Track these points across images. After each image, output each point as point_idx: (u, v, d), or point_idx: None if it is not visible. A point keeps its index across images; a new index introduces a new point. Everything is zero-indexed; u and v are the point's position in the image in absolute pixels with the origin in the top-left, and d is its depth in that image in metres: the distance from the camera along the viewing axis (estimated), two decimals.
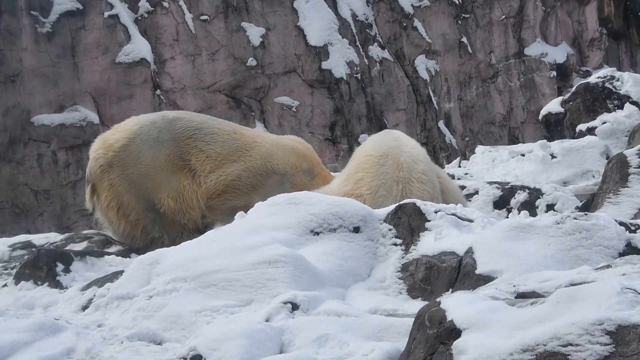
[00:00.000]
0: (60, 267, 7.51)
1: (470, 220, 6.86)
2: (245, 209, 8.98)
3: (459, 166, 14.81)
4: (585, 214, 5.85)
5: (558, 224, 5.80)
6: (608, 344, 3.61)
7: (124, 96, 22.64)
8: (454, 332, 4.17)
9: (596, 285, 3.99)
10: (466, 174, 12.90)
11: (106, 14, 22.83)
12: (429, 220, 6.68)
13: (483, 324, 4.10)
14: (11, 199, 21.51)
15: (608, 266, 4.75)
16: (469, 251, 5.93)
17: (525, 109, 28.35)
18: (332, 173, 10.11)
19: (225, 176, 9.25)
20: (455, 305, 4.36)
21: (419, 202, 6.85)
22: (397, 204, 6.93)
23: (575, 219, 5.78)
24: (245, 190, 9.35)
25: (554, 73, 28.67)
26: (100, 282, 6.69)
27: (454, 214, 6.79)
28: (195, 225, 9.23)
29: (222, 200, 9.28)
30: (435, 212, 6.72)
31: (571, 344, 3.65)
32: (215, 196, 9.24)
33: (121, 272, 6.66)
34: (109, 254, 8.29)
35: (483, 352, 3.87)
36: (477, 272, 5.67)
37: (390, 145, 8.69)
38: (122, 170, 9.06)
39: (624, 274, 4.26)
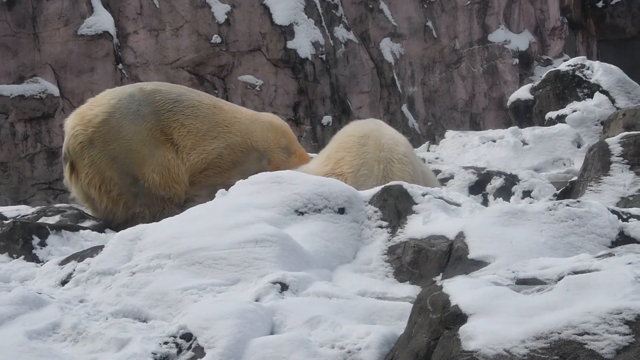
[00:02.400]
0: (36, 240, 7.31)
1: (458, 204, 6.81)
2: (225, 185, 8.90)
3: (428, 150, 14.79)
4: (578, 202, 5.82)
5: (550, 210, 5.76)
6: (627, 334, 3.56)
7: (85, 69, 22.29)
8: (460, 317, 4.10)
9: (607, 274, 3.95)
10: (437, 158, 12.89)
11: None
12: (417, 203, 6.60)
13: (490, 309, 4.03)
14: None
15: (610, 254, 4.71)
16: (460, 235, 5.86)
17: (487, 95, 28.51)
18: (309, 154, 10.05)
19: (207, 154, 9.18)
20: (459, 289, 4.29)
21: (405, 185, 6.78)
22: (383, 186, 6.85)
23: (567, 205, 5.75)
24: (226, 167, 9.29)
25: (517, 60, 28.86)
26: (79, 256, 6.51)
27: (441, 198, 6.73)
28: (179, 200, 9.12)
29: (204, 176, 9.22)
30: (423, 195, 6.65)
31: (587, 333, 3.60)
32: (197, 173, 9.15)
33: (101, 247, 6.47)
34: (84, 228, 8.10)
35: (492, 339, 3.81)
36: (469, 256, 5.60)
37: (372, 127, 8.68)
38: (103, 146, 8.83)
39: (630, 263, 4.22)
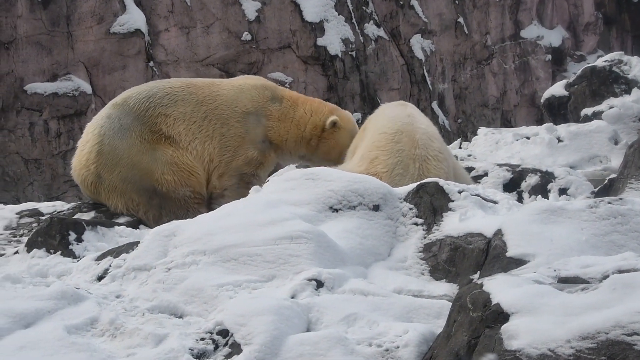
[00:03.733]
0: (72, 236, 7.33)
1: (495, 202, 6.72)
2: (247, 165, 9.26)
3: (460, 147, 14.67)
4: (620, 199, 5.71)
5: (591, 207, 5.66)
6: None
7: (117, 67, 22.40)
8: (502, 316, 4.03)
9: None
10: (469, 155, 12.77)
11: None
12: (453, 201, 6.52)
13: (533, 308, 3.96)
14: (2, 167, 21.26)
15: None
16: (498, 233, 5.77)
17: (519, 92, 28.29)
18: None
19: (209, 138, 9.18)
20: (500, 288, 4.21)
21: (441, 181, 6.70)
22: (418, 183, 6.78)
23: (609, 203, 5.64)
24: (234, 144, 9.27)
25: (549, 56, 28.60)
26: (115, 252, 6.52)
27: (478, 195, 6.64)
28: (201, 195, 9.10)
29: (224, 162, 9.18)
30: (459, 192, 6.57)
31: (637, 333, 3.51)
32: (215, 159, 9.15)
33: (136, 243, 6.47)
34: (119, 224, 8.12)
35: (536, 338, 3.73)
36: (507, 254, 5.52)
37: (404, 121, 8.52)
38: (110, 174, 8.88)
39: None
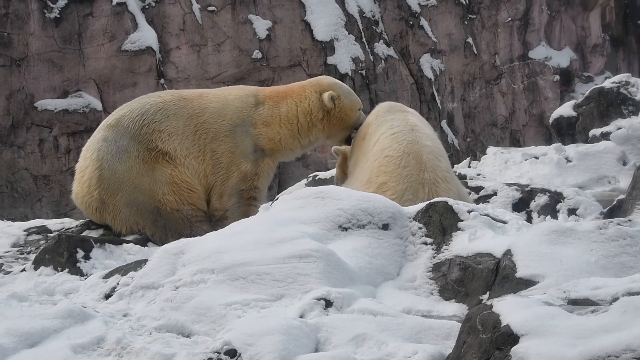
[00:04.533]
0: (80, 253, 7.32)
1: (504, 222, 6.68)
2: (242, 182, 9.06)
3: (469, 166, 14.62)
4: (629, 220, 5.67)
5: (600, 229, 5.61)
6: None
7: (128, 84, 22.50)
8: (511, 338, 3.98)
9: None
10: (478, 174, 12.70)
11: (114, 1, 22.70)
12: (462, 220, 6.48)
13: (543, 330, 3.91)
14: (10, 183, 21.31)
15: None
16: (507, 253, 5.73)
17: (527, 112, 28.29)
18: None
19: (202, 156, 9.04)
20: (510, 309, 4.17)
21: (451, 201, 6.66)
22: (427, 202, 6.74)
23: (618, 224, 5.60)
24: (227, 160, 9.11)
25: (557, 77, 28.61)
26: (123, 270, 6.49)
27: (487, 215, 6.61)
28: (202, 213, 9.03)
29: (219, 180, 9.07)
30: (469, 211, 6.52)
31: None
32: (210, 176, 9.04)
33: (144, 261, 6.44)
34: (127, 241, 8.10)
35: None
36: (517, 275, 5.47)
37: (409, 139, 8.40)
38: (113, 199, 8.79)
39: None
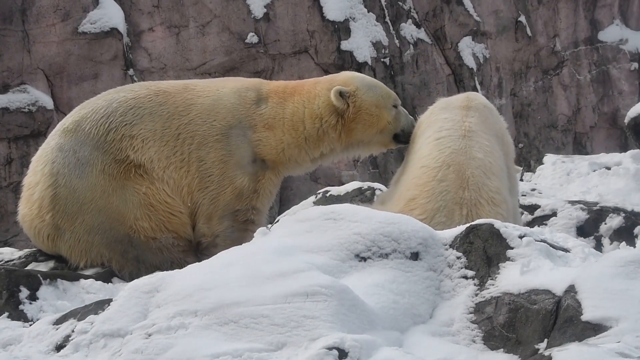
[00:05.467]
0: (24, 292, 7.33)
1: (566, 250, 6.71)
2: (238, 199, 8.98)
3: (521, 179, 14.67)
4: None
5: None
6: None
7: (87, 76, 22.59)
8: None
9: None
10: (533, 189, 12.76)
11: None
12: (512, 248, 6.51)
13: None
14: None
15: None
16: (570, 290, 5.77)
17: (596, 109, 28.33)
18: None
19: (186, 166, 8.95)
20: None
21: (497, 223, 6.69)
22: (468, 225, 6.77)
23: None
24: (218, 172, 9.02)
25: (636, 65, 28.65)
26: (80, 313, 6.51)
27: (544, 241, 6.63)
28: (186, 241, 9.02)
29: (208, 198, 9.01)
30: (520, 237, 6.55)
31: None
32: (196, 192, 8.96)
33: (108, 302, 6.47)
34: (86, 277, 8.12)
35: None
36: (583, 318, 5.51)
37: (455, 147, 8.40)
38: (71, 224, 8.78)
39: None
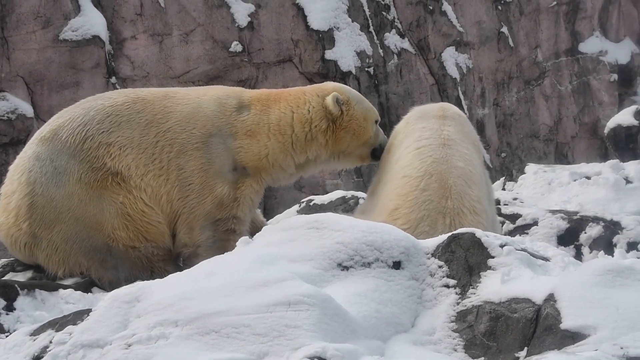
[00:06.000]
0: (1, 303, 7.33)
1: (546, 259, 6.74)
2: (219, 208, 8.95)
3: (503, 188, 14.72)
4: None
5: None
6: None
7: (68, 84, 22.50)
8: None
9: None
10: (515, 199, 12.80)
11: None
12: (493, 257, 6.53)
13: None
14: None
15: None
16: (550, 299, 5.79)
17: (577, 120, 28.42)
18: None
19: (165, 174, 8.92)
20: None
21: (478, 232, 6.71)
22: (450, 234, 6.79)
23: None
24: (198, 181, 8.98)
25: (615, 76, 28.77)
26: (58, 324, 6.46)
27: (524, 250, 6.66)
28: (165, 251, 8.99)
29: (187, 208, 8.98)
30: (501, 245, 6.57)
31: None
32: (176, 201, 8.93)
33: (87, 312, 6.43)
34: (65, 287, 8.08)
35: None
36: (562, 326, 5.53)
37: (436, 157, 8.43)
38: (48, 233, 8.74)
39: None
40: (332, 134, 9.26)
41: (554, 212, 10.77)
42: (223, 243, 8.79)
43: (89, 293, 8.20)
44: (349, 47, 24.57)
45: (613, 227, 10.18)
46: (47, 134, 9.00)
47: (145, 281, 6.68)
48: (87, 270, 8.75)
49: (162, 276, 7.09)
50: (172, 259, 9.06)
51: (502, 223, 10.93)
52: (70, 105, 9.28)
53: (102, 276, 8.74)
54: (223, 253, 7.37)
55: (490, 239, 6.67)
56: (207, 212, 8.98)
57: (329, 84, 9.60)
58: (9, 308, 7.34)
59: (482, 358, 5.95)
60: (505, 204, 12.06)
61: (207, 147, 9.04)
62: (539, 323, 5.76)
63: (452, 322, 6.24)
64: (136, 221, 8.82)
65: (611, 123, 16.17)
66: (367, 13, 25.46)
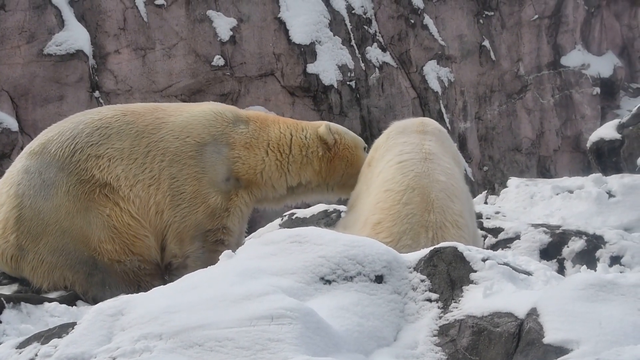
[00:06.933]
0: None
1: (528, 273, 6.75)
2: (211, 218, 8.98)
3: (485, 202, 14.74)
4: None
5: None
6: None
7: (52, 97, 22.45)
8: None
9: None
10: (497, 212, 12.83)
11: None
12: (475, 271, 6.54)
13: None
14: None
15: None
16: (532, 313, 5.80)
17: (559, 133, 28.50)
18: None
19: (156, 183, 8.94)
20: None
21: (460, 246, 6.73)
22: (432, 248, 6.80)
23: None
24: (191, 189, 9.00)
25: (597, 90, 28.87)
26: (43, 337, 6.45)
27: (507, 264, 6.68)
28: (152, 265, 8.99)
29: (179, 218, 8.98)
30: (483, 260, 6.59)
31: None
32: (167, 210, 8.94)
33: (72, 325, 6.43)
34: (50, 300, 8.07)
35: None
36: (544, 340, 5.54)
37: (417, 171, 8.46)
38: (35, 245, 8.75)
39: None
40: (327, 162, 9.49)
41: (536, 226, 10.79)
42: (211, 254, 8.79)
43: (74, 306, 8.17)
44: (330, 61, 24.61)
45: (596, 241, 10.21)
46: (36, 147, 9.02)
47: (130, 295, 6.69)
48: (71, 284, 8.75)
49: (149, 288, 7.09)
50: (160, 273, 9.05)
51: (485, 237, 10.95)
52: (60, 121, 9.31)
53: (87, 290, 8.74)
54: (211, 264, 7.39)
55: (472, 253, 6.69)
56: (198, 222, 9.01)
57: (318, 122, 9.82)
58: None
59: None
60: (487, 218, 12.07)
61: (202, 155, 9.08)
62: (522, 337, 5.77)
63: (435, 336, 6.25)
64: (122, 234, 8.83)
65: (594, 137, 16.21)
66: (349, 27, 25.50)
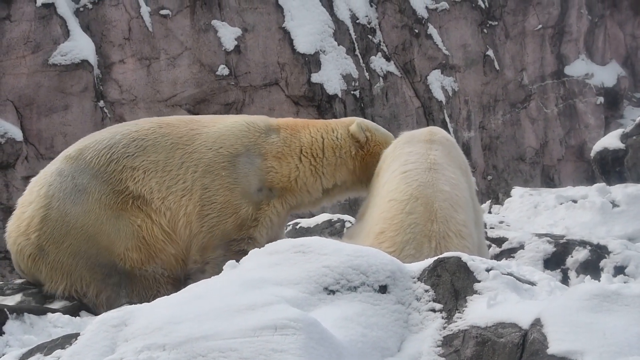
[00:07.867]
0: None
1: (532, 283, 6.74)
2: (239, 229, 9.02)
3: (489, 212, 14.72)
4: None
5: None
6: None
7: (57, 107, 22.48)
8: None
9: None
10: (501, 222, 12.81)
11: (39, 1, 22.70)
12: (479, 281, 6.52)
13: None
14: None
15: None
16: (536, 323, 5.78)
17: (563, 142, 28.48)
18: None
19: (189, 194, 9.01)
20: None
21: (464, 256, 6.71)
22: (436, 258, 6.79)
23: None
24: (222, 200, 9.05)
25: (601, 99, 28.86)
26: (46, 348, 6.44)
27: (511, 274, 6.66)
28: (175, 275, 9.02)
29: (207, 228, 9.00)
30: (487, 270, 6.57)
31: None
32: (195, 221, 8.97)
33: (75, 336, 6.41)
34: (53, 310, 8.06)
35: None
36: (549, 351, 5.52)
37: (422, 180, 8.43)
38: (56, 247, 8.81)
39: None
40: (360, 160, 9.51)
41: (540, 235, 10.77)
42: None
43: (77, 317, 8.17)
44: (335, 70, 24.62)
45: (600, 251, 10.19)
46: (73, 152, 9.14)
47: (133, 305, 6.68)
48: (87, 285, 8.79)
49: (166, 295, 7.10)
50: (179, 282, 9.05)
51: (489, 246, 10.94)
52: (98, 131, 9.55)
53: (100, 292, 8.80)
54: None
55: (476, 263, 6.67)
56: (226, 232, 9.07)
57: (348, 118, 9.85)
58: None
59: None
60: (491, 228, 12.07)
61: (234, 166, 9.13)
62: (526, 348, 5.76)
63: (439, 346, 6.23)
64: (150, 245, 8.91)
65: (597, 146, 16.19)
66: (353, 36, 25.52)
